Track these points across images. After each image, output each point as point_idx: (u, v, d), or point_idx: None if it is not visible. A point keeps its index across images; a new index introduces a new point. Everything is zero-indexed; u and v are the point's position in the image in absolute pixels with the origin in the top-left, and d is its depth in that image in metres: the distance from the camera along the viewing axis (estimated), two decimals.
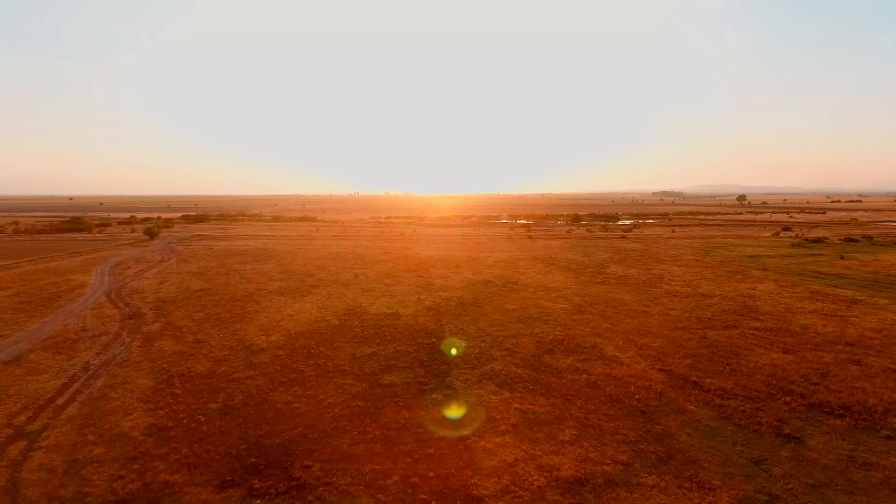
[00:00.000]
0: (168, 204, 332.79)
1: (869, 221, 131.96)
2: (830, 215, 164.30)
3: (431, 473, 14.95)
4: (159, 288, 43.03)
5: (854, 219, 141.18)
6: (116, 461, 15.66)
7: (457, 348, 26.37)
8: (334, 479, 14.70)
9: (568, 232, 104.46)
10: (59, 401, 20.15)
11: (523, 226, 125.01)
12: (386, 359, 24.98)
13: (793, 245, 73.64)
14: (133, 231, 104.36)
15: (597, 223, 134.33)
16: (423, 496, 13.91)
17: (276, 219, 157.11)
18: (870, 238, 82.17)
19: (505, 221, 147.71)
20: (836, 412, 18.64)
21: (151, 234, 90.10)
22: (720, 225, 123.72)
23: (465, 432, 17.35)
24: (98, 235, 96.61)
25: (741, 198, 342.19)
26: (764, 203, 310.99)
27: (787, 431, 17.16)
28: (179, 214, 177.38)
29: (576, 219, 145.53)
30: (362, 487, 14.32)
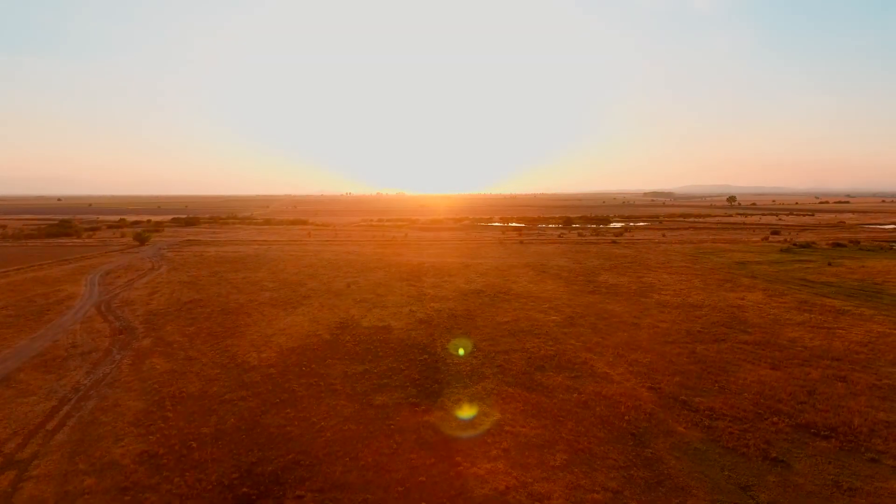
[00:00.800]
0: (158, 205, 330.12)
1: (856, 224, 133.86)
2: (819, 217, 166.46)
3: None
4: (150, 299, 42.73)
5: (842, 221, 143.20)
6: (107, 492, 15.60)
7: (452, 360, 26.46)
8: None
9: (559, 236, 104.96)
10: (49, 425, 20.00)
11: (515, 230, 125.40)
12: (378, 377, 25.03)
13: (781, 250, 74.53)
14: (123, 236, 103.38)
15: (588, 227, 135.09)
16: None
17: (267, 222, 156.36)
18: (857, 242, 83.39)
19: (497, 224, 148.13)
20: (822, 433, 18.97)
21: (141, 239, 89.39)
22: (710, 228, 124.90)
23: (457, 458, 17.45)
24: (87, 241, 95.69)
25: (731, 199, 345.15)
26: (753, 204, 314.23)
27: (773, 455, 17.45)
28: (169, 217, 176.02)
29: (567, 222, 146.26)
30: None
